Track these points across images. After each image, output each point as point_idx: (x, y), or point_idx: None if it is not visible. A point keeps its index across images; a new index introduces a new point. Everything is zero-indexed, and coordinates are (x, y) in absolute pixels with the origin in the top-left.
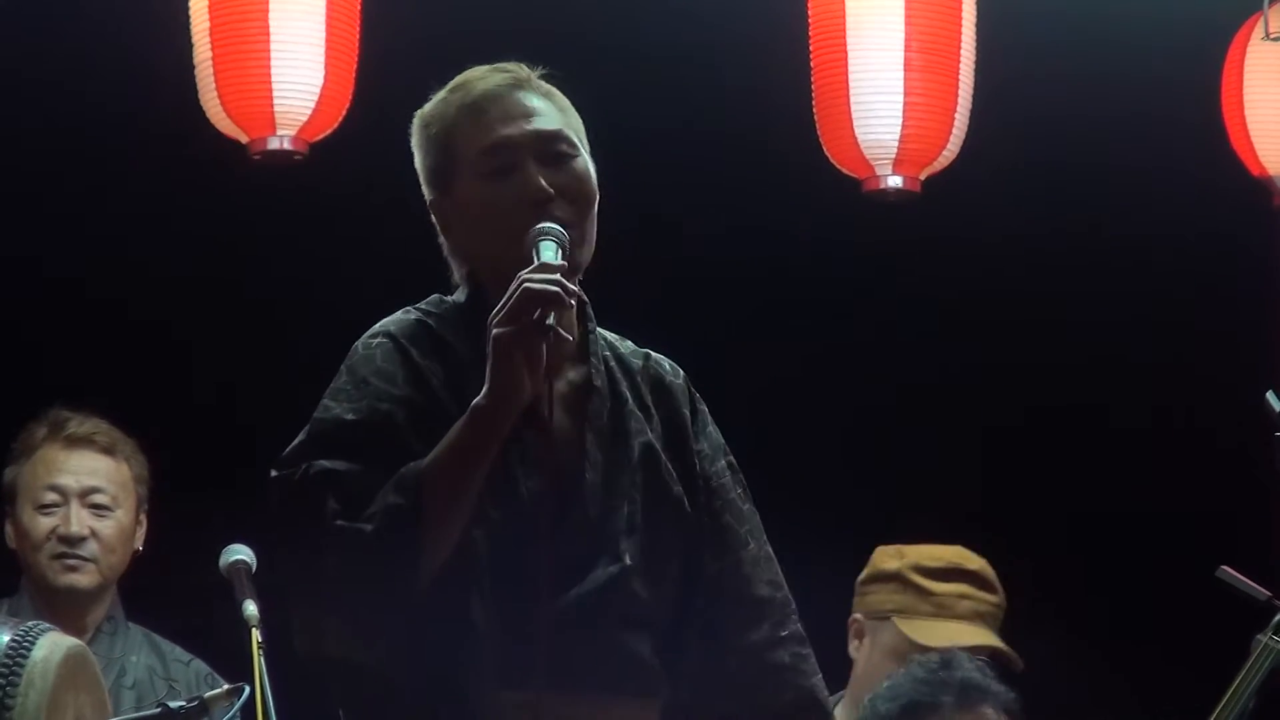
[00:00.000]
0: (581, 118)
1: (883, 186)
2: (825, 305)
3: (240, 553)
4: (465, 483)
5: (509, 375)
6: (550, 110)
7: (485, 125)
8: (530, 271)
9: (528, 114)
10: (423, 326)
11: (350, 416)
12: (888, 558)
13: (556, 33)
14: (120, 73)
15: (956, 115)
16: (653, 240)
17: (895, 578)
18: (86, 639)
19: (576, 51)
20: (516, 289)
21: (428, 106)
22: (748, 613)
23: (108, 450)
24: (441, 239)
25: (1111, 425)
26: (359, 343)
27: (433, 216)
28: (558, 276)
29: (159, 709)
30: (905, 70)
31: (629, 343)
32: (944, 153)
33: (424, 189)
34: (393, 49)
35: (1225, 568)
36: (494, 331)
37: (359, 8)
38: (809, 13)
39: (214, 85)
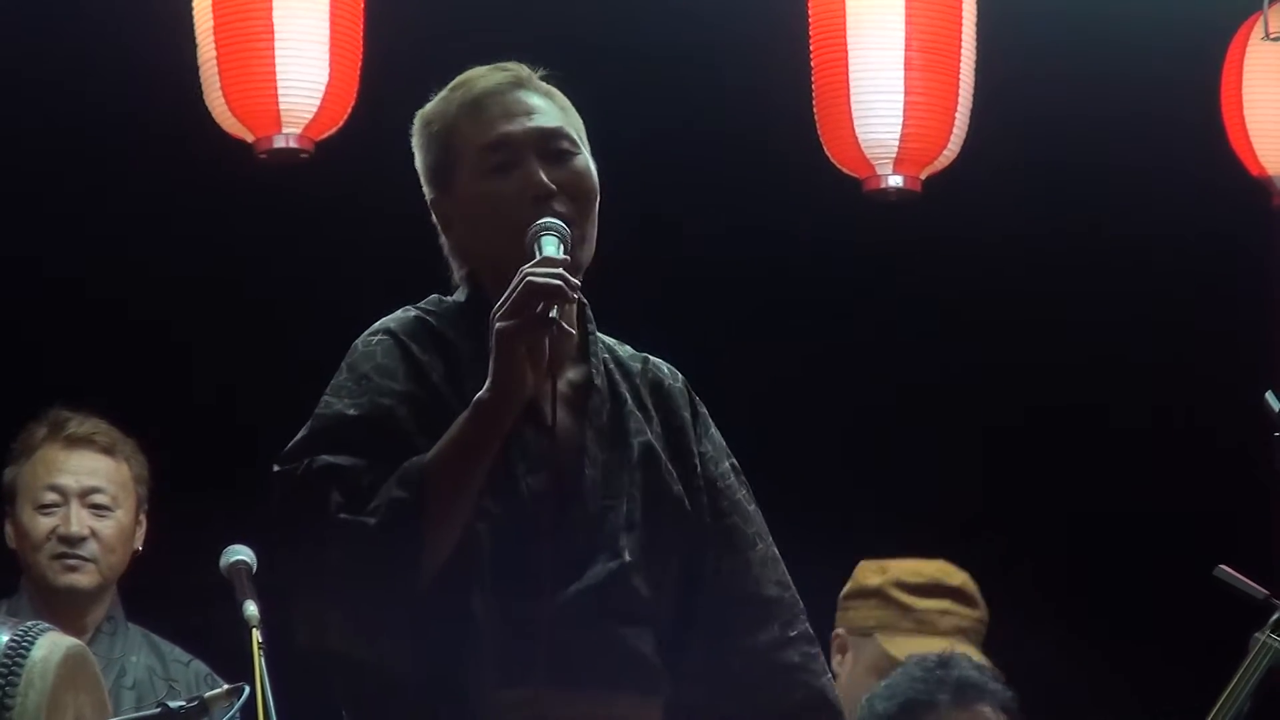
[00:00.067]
0: (581, 118)
1: (883, 186)
2: (825, 305)
3: (240, 553)
4: (468, 477)
5: (512, 369)
6: (551, 108)
7: (486, 122)
8: (533, 265)
9: (529, 111)
10: (422, 323)
11: (352, 412)
12: (870, 573)
13: (557, 33)
14: (120, 72)
15: (957, 115)
16: (653, 240)
17: (877, 594)
18: (86, 639)
19: (576, 52)
20: (519, 283)
21: (429, 105)
22: (757, 612)
23: (108, 450)
24: (441, 238)
25: (1111, 425)
26: (359, 340)
27: (433, 215)
28: (560, 270)
29: (159, 709)
30: (905, 70)
31: (628, 347)
32: (944, 152)
33: (425, 188)
34: (393, 50)
35: (1223, 566)
36: (497, 325)
37: (363, 4)
38: (809, 13)
39: (219, 84)
